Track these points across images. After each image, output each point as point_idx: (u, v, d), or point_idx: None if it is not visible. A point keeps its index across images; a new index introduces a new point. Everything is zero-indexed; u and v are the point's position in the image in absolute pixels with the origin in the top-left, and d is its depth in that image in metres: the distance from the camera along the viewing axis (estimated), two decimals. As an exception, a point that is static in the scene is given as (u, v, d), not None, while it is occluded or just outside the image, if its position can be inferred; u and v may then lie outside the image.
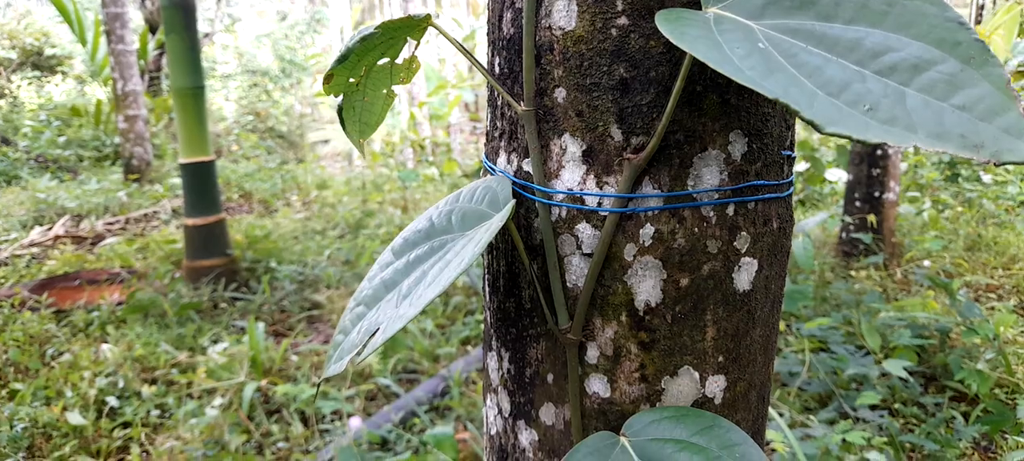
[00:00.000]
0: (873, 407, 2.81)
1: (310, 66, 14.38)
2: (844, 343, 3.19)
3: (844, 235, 4.64)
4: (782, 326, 3.25)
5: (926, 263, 4.33)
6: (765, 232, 0.71)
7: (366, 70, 0.72)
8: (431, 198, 6.79)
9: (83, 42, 10.22)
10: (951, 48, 0.54)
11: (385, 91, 0.74)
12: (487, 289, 0.82)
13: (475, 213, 0.71)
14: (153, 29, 10.13)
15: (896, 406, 2.83)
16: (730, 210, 0.68)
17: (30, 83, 11.94)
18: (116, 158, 8.69)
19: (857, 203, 4.56)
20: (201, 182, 4.36)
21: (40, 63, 12.85)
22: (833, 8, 0.57)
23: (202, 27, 11.63)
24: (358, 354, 0.66)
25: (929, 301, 3.29)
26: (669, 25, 0.53)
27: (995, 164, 0.50)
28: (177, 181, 6.52)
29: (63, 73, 12.72)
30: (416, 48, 0.73)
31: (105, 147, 9.14)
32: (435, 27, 0.68)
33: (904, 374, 2.76)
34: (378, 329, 0.66)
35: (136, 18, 11.36)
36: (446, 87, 10.37)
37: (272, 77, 13.31)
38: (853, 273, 4.28)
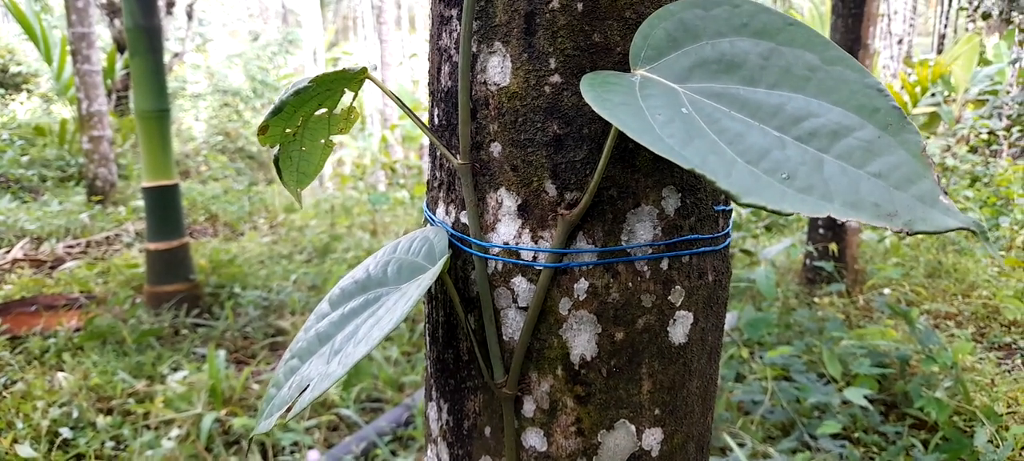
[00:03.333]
0: (834, 436, 2.83)
1: (282, 86, 14.30)
2: (806, 371, 3.22)
3: (808, 262, 4.70)
4: (745, 353, 3.28)
5: (887, 291, 4.40)
6: (700, 285, 0.72)
7: (303, 120, 0.72)
8: (401, 221, 6.76)
9: (49, 61, 10.06)
10: (870, 114, 0.56)
11: (323, 141, 0.74)
12: (427, 338, 0.82)
13: (411, 265, 0.71)
14: (121, 49, 10.00)
15: (857, 434, 2.86)
16: (664, 264, 0.69)
17: (-7, 101, 11.70)
18: (80, 178, 8.54)
19: (820, 230, 4.63)
20: (164, 206, 4.29)
21: (5, 81, 12.62)
22: (758, 72, 0.58)
23: (173, 47, 11.53)
24: (287, 411, 0.65)
25: (888, 330, 3.33)
26: (593, 92, 0.53)
27: (907, 233, 0.50)
28: (141, 203, 6.41)
29: (29, 91, 12.49)
30: (354, 98, 0.73)
31: (69, 167, 8.97)
32: (372, 80, 0.68)
33: (865, 403, 2.79)
34: (308, 386, 0.65)
35: (105, 36, 11.22)
36: (419, 108, 10.39)
37: (243, 97, 13.21)
38: (816, 300, 4.34)
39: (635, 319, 0.68)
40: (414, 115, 0.70)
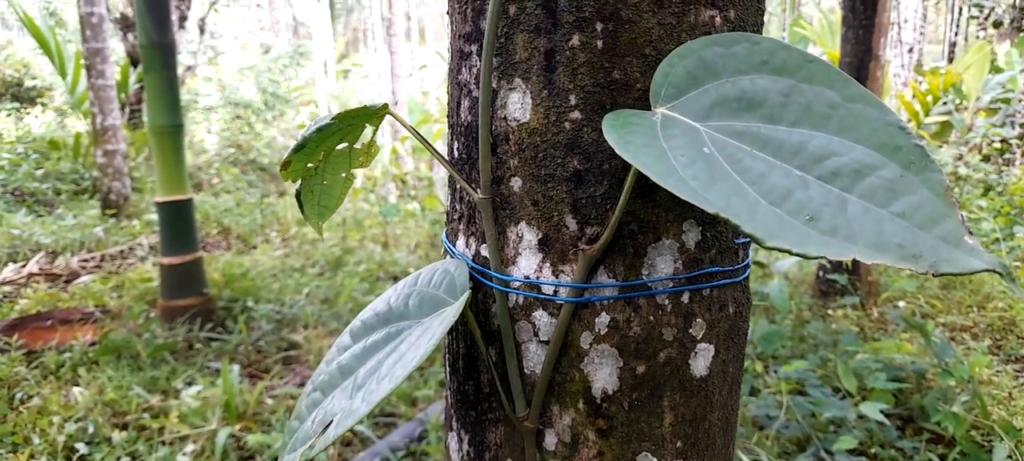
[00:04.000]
0: (851, 451, 2.81)
1: (293, 98, 14.39)
2: (821, 385, 3.20)
3: (821, 274, 4.68)
4: (760, 367, 3.26)
5: (901, 304, 4.37)
6: (721, 318, 0.72)
7: (324, 155, 0.72)
8: (412, 234, 6.77)
9: (63, 75, 10.17)
10: (892, 153, 0.56)
11: (344, 175, 0.75)
12: (448, 369, 0.82)
13: (432, 299, 0.71)
14: (135, 63, 10.11)
15: (874, 450, 2.84)
16: (685, 297, 0.69)
17: (9, 115, 11.84)
18: (94, 191, 8.61)
19: (833, 242, 4.60)
20: (178, 221, 4.32)
21: (20, 94, 12.77)
22: (779, 110, 0.58)
23: (185, 60, 11.63)
24: (311, 447, 0.65)
25: (904, 344, 3.31)
26: (615, 133, 0.54)
27: (933, 275, 0.50)
28: (155, 217, 6.46)
29: (43, 105, 12.63)
30: (375, 133, 0.73)
31: (83, 180, 9.05)
32: (392, 115, 0.68)
33: (881, 417, 2.77)
34: (332, 421, 0.65)
35: (118, 50, 11.34)
36: (429, 121, 10.43)
37: (255, 109, 13.30)
38: (830, 313, 4.31)
39: (656, 352, 0.69)
40: (434, 149, 0.70)
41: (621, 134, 0.54)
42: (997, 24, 7.60)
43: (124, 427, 3.13)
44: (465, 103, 0.72)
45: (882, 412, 2.93)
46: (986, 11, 7.68)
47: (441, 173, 12.09)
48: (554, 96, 0.65)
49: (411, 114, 12.35)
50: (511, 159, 0.68)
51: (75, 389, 3.38)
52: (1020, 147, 8.41)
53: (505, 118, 0.68)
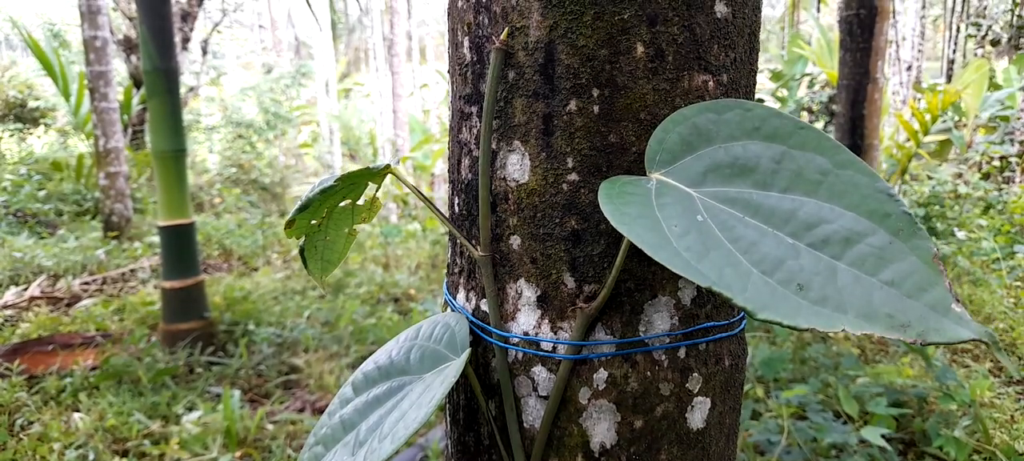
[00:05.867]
0: (852, 477, 2.80)
1: (295, 118, 14.46)
2: (822, 410, 3.20)
3: (822, 295, 4.68)
4: (760, 392, 3.26)
5: (902, 325, 4.37)
6: (717, 371, 0.73)
7: (327, 212, 0.74)
8: (413, 255, 6.78)
9: (67, 96, 10.24)
10: (881, 220, 0.57)
11: (347, 230, 0.76)
12: (448, 419, 0.83)
13: (433, 354, 0.73)
14: (138, 84, 10.18)
15: (875, 475, 2.83)
16: (681, 353, 0.70)
17: (12, 135, 11.90)
18: (96, 213, 8.64)
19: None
20: (180, 245, 4.34)
21: (23, 115, 12.84)
22: (770, 176, 0.59)
23: (188, 80, 11.70)
24: (314, 504, 0.66)
25: (904, 368, 3.31)
26: (611, 204, 0.55)
27: (921, 344, 0.52)
28: (157, 239, 6.49)
29: (46, 125, 12.70)
30: (377, 190, 0.75)
31: (86, 201, 9.08)
32: (394, 174, 0.70)
33: (882, 443, 2.77)
34: (334, 478, 0.66)
35: (121, 71, 11.41)
36: (430, 140, 10.47)
37: (256, 129, 13.35)
38: (832, 335, 4.31)
39: (654, 407, 0.70)
40: (436, 209, 0.72)
41: (616, 205, 0.55)
42: (995, 42, 7.65)
43: (125, 454, 3.13)
44: (465, 161, 0.74)
45: (883, 437, 2.93)
46: (984, 29, 7.73)
47: (442, 191, 12.13)
48: (552, 159, 0.67)
49: (412, 133, 12.40)
50: (510, 218, 0.70)
51: (76, 415, 3.38)
52: (1020, 164, 8.43)
53: (504, 178, 0.69)
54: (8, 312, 5.06)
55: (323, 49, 14.90)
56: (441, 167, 12.08)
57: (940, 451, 2.94)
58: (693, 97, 0.66)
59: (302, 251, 0.75)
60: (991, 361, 3.96)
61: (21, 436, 3.21)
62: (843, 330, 0.50)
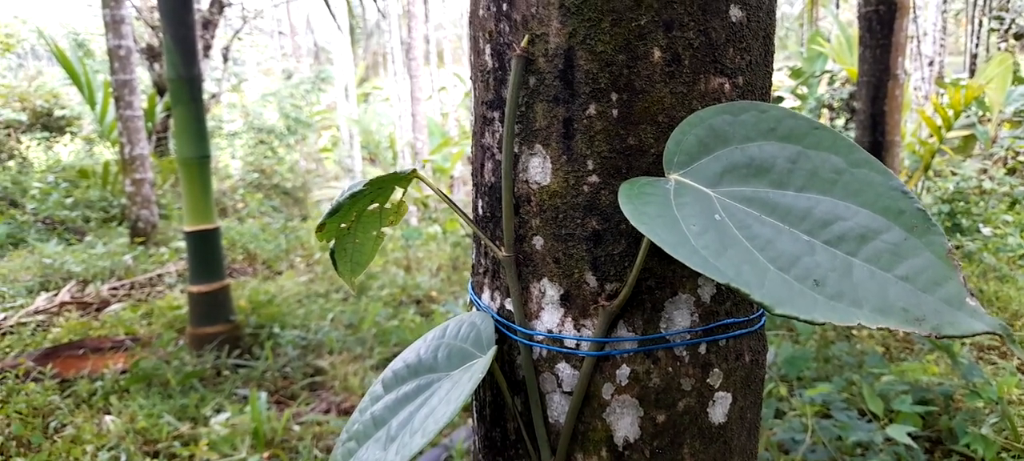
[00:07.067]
0: (877, 475, 2.79)
1: (315, 123, 14.60)
2: (847, 408, 3.18)
3: (845, 292, 4.64)
4: (784, 391, 3.25)
5: (927, 322, 4.32)
6: (738, 366, 0.75)
7: (356, 216, 0.76)
8: (434, 257, 6.83)
9: (92, 105, 10.43)
10: (895, 216, 0.58)
11: (375, 233, 0.79)
12: (475, 415, 0.85)
13: (460, 351, 0.75)
14: (161, 92, 10.34)
15: (900, 473, 2.81)
16: (702, 349, 0.72)
17: (39, 143, 12.14)
18: (123, 218, 8.79)
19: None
20: (205, 250, 4.41)
21: (49, 124, 13.09)
22: (786, 175, 0.61)
23: (210, 87, 11.86)
24: (347, 497, 0.69)
25: (930, 366, 3.28)
26: (630, 204, 0.57)
27: (936, 337, 0.53)
28: (183, 244, 6.58)
29: (72, 133, 12.93)
30: (404, 194, 0.77)
31: (112, 208, 9.25)
32: (420, 179, 0.72)
33: (908, 441, 2.75)
34: (367, 472, 0.69)
35: (145, 79, 11.60)
36: (449, 143, 10.53)
37: (278, 134, 13.50)
38: (854, 332, 4.28)
39: (676, 402, 0.72)
40: (461, 211, 0.74)
41: (636, 205, 0.57)
42: (1019, 35, 7.54)
43: (155, 455, 3.19)
44: (488, 165, 0.76)
45: (909, 435, 2.91)
46: (1007, 22, 7.62)
47: (462, 192, 12.17)
48: (573, 161, 0.69)
49: (431, 136, 12.47)
50: (533, 219, 0.72)
51: (107, 417, 3.45)
52: (1046, 159, 8.29)
53: (527, 181, 0.72)
54: (40, 317, 5.17)
55: (342, 54, 15.02)
56: (460, 170, 12.14)
57: (967, 449, 2.91)
58: (710, 99, 0.68)
59: (333, 254, 0.78)
60: (1018, 359, 3.91)
61: (55, 438, 3.29)
62: (859, 324, 0.51)
